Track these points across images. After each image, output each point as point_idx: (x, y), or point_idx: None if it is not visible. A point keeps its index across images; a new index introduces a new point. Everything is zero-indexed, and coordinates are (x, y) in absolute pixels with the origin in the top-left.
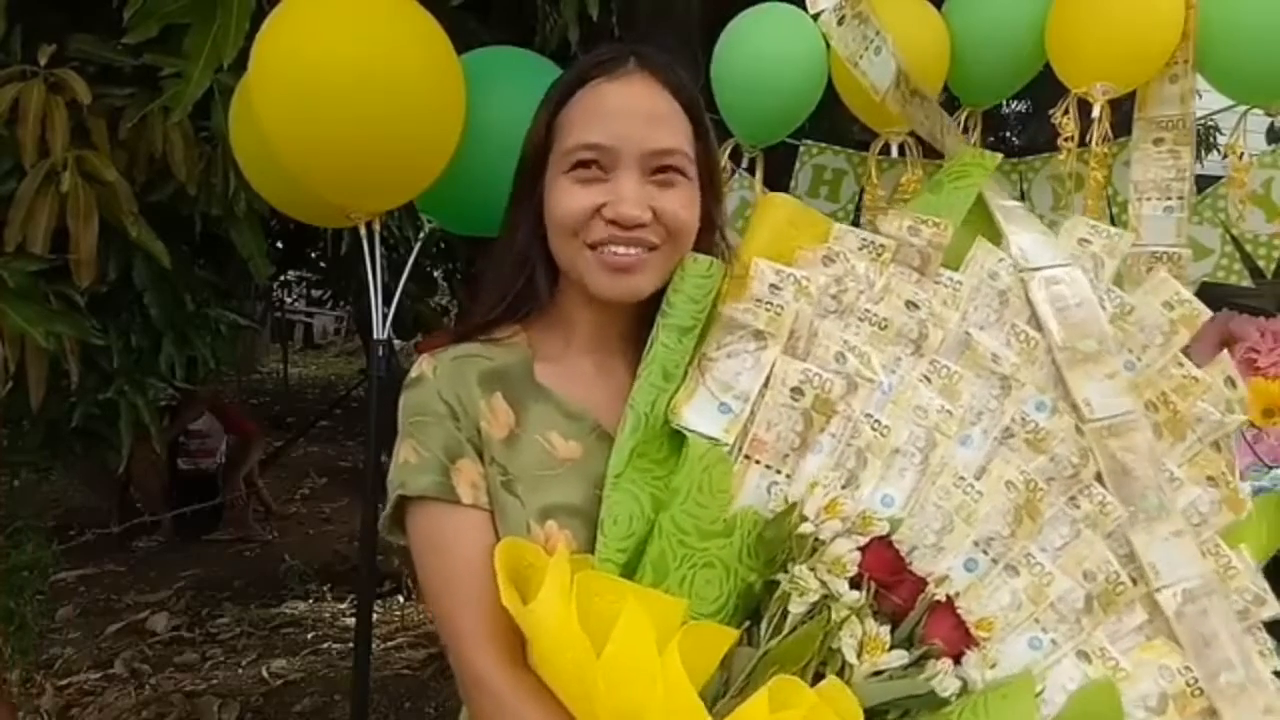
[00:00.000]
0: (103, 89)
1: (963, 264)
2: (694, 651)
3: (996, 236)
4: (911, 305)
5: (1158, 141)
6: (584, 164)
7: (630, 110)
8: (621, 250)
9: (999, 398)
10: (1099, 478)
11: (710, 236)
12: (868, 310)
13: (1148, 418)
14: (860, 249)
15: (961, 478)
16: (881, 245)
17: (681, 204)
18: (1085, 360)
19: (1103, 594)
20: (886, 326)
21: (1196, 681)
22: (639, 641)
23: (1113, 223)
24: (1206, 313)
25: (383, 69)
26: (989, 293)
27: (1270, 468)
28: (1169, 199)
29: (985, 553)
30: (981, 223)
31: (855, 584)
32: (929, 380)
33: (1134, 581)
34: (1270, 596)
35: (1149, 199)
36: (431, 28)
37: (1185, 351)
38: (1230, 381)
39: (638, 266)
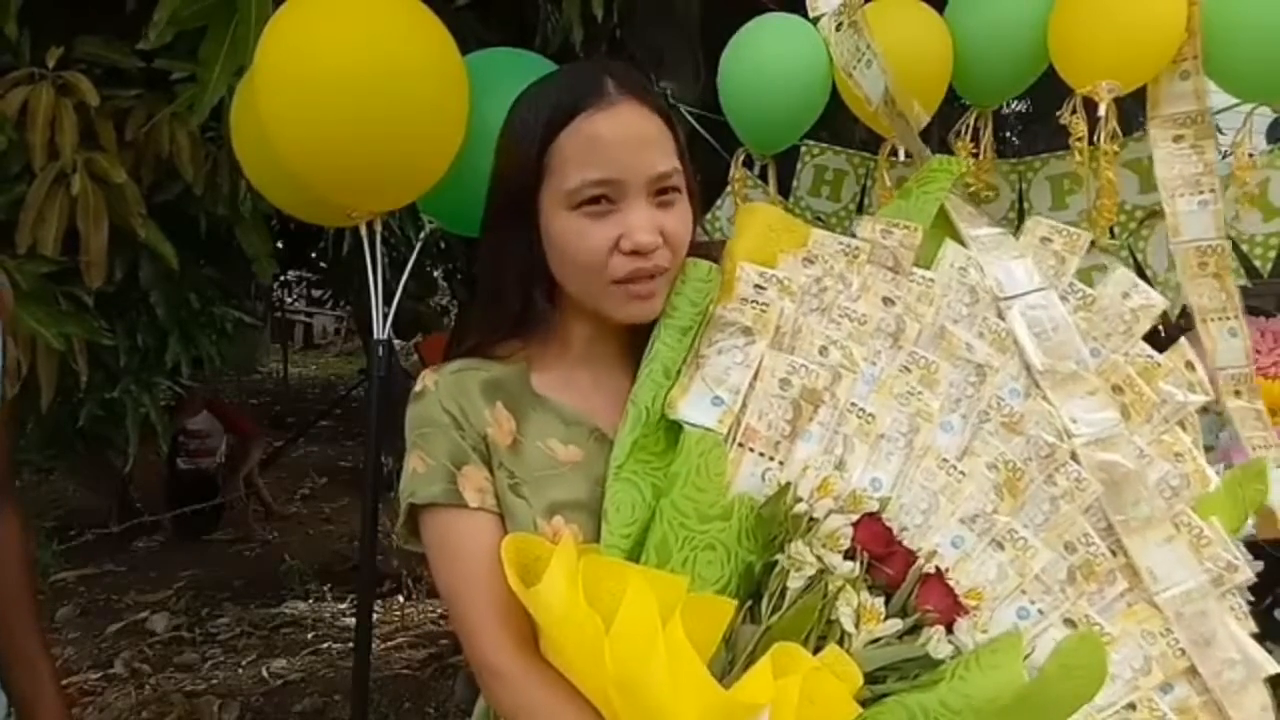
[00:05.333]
0: (109, 90)
1: (934, 263)
2: (696, 622)
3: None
4: (888, 301)
5: (1178, 139)
6: (593, 199)
7: (627, 140)
8: (646, 285)
9: (975, 384)
10: (1074, 456)
11: (695, 233)
12: (847, 307)
13: (1115, 400)
14: (837, 251)
15: (945, 459)
16: (857, 247)
17: (682, 222)
18: (1067, 381)
19: (1083, 565)
20: (865, 322)
21: (1178, 643)
22: (643, 615)
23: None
24: (1161, 301)
25: (386, 69)
26: (959, 289)
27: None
28: (1201, 193)
29: (971, 530)
30: (949, 225)
31: (849, 557)
32: (908, 370)
33: (1112, 553)
34: (1242, 563)
35: (1182, 195)
36: (435, 28)
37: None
38: (1189, 365)
39: (655, 293)
